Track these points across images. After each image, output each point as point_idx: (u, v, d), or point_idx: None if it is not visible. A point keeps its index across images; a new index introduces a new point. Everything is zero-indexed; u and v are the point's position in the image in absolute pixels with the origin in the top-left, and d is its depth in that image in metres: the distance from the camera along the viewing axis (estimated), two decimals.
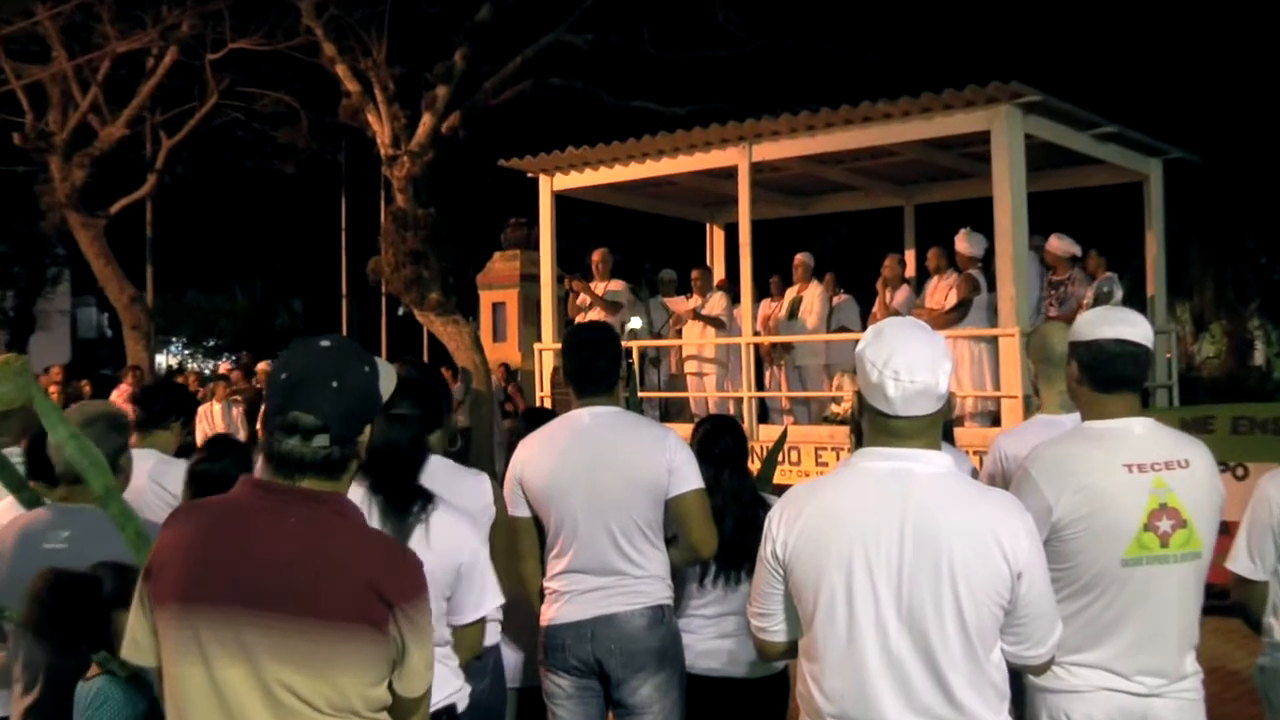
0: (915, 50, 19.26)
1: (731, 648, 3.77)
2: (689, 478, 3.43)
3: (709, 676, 3.74)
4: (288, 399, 2.00)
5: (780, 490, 2.74)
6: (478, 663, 3.22)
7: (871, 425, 2.34)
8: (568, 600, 3.45)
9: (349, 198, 29.77)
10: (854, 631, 2.24)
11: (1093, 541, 2.65)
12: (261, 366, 15.03)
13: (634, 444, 3.44)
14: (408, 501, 2.95)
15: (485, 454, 13.00)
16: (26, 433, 3.37)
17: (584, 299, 11.05)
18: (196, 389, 15.27)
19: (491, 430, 13.52)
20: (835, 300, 11.27)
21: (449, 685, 2.98)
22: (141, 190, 17.48)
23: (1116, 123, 9.31)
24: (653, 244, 25.18)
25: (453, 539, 2.92)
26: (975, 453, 7.64)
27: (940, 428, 2.35)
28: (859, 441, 2.40)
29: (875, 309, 10.33)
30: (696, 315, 10.84)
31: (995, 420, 8.84)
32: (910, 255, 11.91)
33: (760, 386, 11.08)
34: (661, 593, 3.47)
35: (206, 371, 31.07)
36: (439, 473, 3.48)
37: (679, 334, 11.36)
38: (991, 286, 8.97)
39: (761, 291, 11.90)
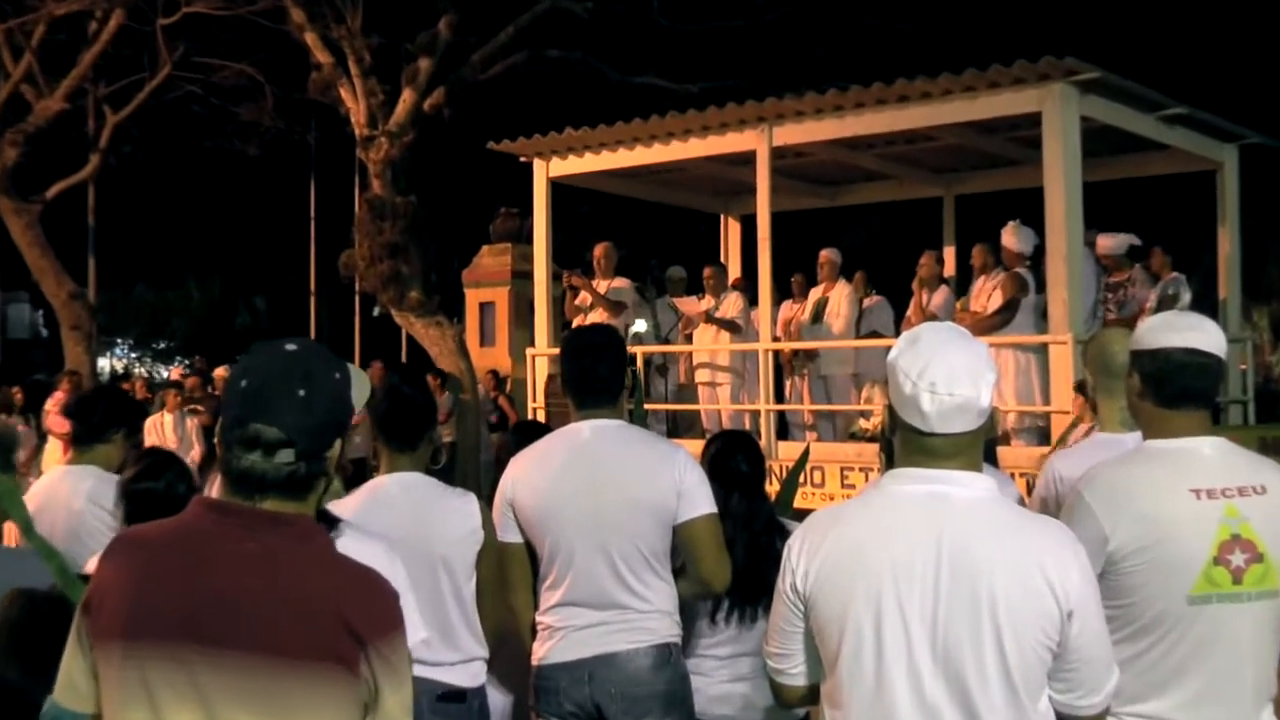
0: (957, 21, 19.27)
1: (746, 692, 3.77)
2: (700, 501, 3.43)
3: None
4: (248, 409, 2.00)
5: (801, 516, 2.75)
6: (456, 707, 3.22)
7: (904, 443, 2.34)
8: (563, 637, 3.46)
9: (319, 183, 29.88)
10: (883, 676, 2.24)
11: (1154, 576, 2.65)
12: (219, 372, 15.06)
13: (639, 462, 3.45)
14: None
15: (471, 471, 13.00)
16: None
17: (584, 299, 11.06)
18: (145, 397, 15.29)
19: (478, 445, 13.53)
20: (865, 302, 11.27)
21: None
22: (83, 172, 17.49)
23: (1185, 103, 9.32)
24: (660, 238, 25.22)
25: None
26: (1021, 475, 7.66)
27: (981, 447, 2.35)
28: (890, 461, 2.40)
29: (910, 312, 10.34)
30: (709, 318, 10.85)
31: (1044, 438, 8.84)
32: (950, 252, 11.91)
33: (780, 399, 11.07)
34: (668, 630, 3.48)
35: (156, 377, 31.13)
36: (422, 493, 3.49)
37: (689, 339, 11.37)
38: (1041, 287, 8.97)
39: (782, 292, 11.90)
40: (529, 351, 11.37)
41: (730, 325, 10.81)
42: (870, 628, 2.26)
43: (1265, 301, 23.72)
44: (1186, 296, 9.19)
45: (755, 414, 10.12)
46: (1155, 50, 19.08)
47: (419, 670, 2.87)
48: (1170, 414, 2.77)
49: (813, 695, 2.45)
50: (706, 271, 11.31)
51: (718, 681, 3.78)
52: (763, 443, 9.12)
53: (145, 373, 37.74)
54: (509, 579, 3.56)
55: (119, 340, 42.99)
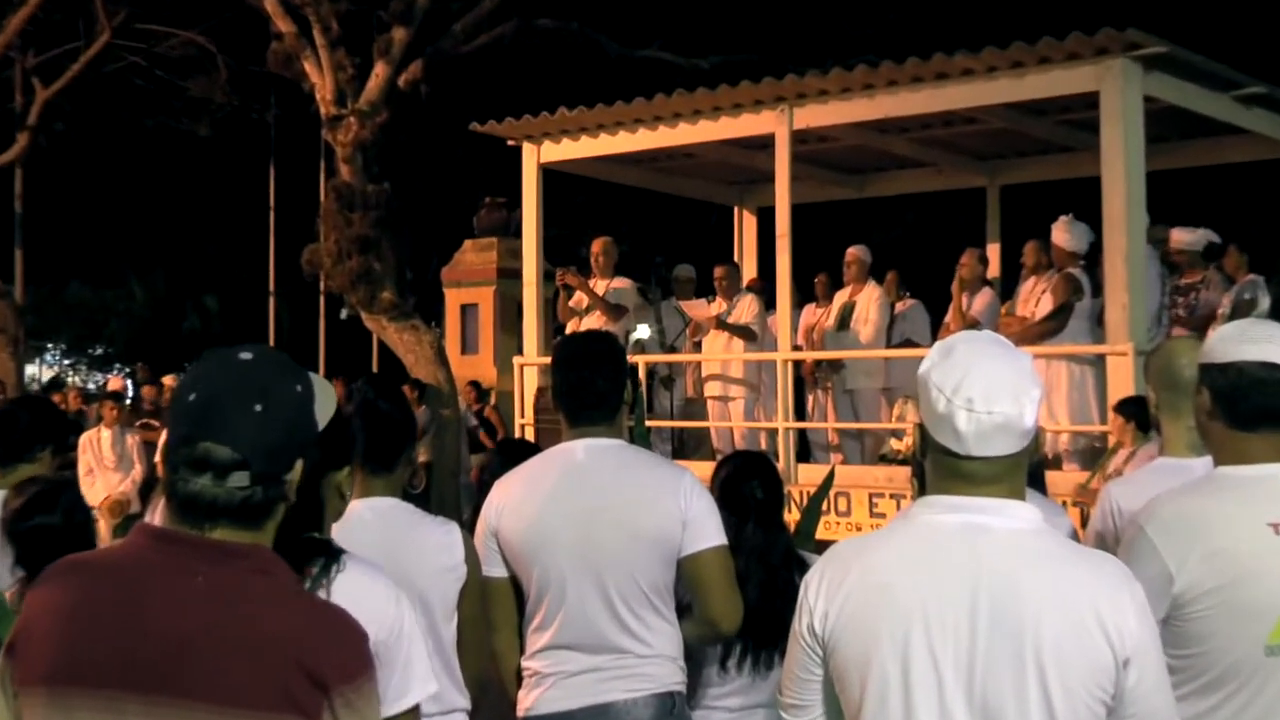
0: None
1: None
2: (709, 532, 3.44)
3: None
4: (197, 426, 2.00)
5: (824, 549, 2.75)
6: None
7: (937, 467, 2.35)
8: (552, 685, 3.46)
9: (280, 168, 29.88)
10: None
11: (1227, 622, 2.64)
12: (166, 382, 15.07)
13: (640, 487, 3.47)
14: (303, 561, 2.92)
15: (449, 496, 12.99)
16: None
17: (579, 301, 11.07)
18: (79, 409, 15.30)
19: (458, 467, 13.53)
20: (898, 306, 11.28)
21: None
22: (9, 153, 17.51)
23: (1264, 81, 9.32)
24: (666, 233, 25.22)
25: (365, 608, 2.89)
26: (1073, 504, 7.65)
27: (1025, 471, 2.35)
28: (922, 487, 2.40)
29: (949, 318, 10.35)
30: (721, 324, 10.86)
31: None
32: (994, 250, 11.93)
33: (801, 415, 11.07)
34: (671, 677, 3.48)
35: (92, 387, 31.16)
36: (398, 521, 3.49)
37: (698, 347, 11.37)
38: (1098, 291, 8.98)
39: (804, 295, 11.90)
40: (516, 360, 11.37)
41: (745, 332, 10.81)
42: (898, 675, 2.25)
43: None
44: (1265, 302, 9.17)
45: (772, 433, 10.11)
46: (1229, 21, 19.10)
47: None
48: (1245, 436, 2.77)
49: None
50: (718, 271, 11.33)
51: None
52: (781, 465, 9.12)
53: (79, 382, 37.77)
54: (492, 618, 3.57)
55: (49, 345, 43.03)
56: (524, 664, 3.54)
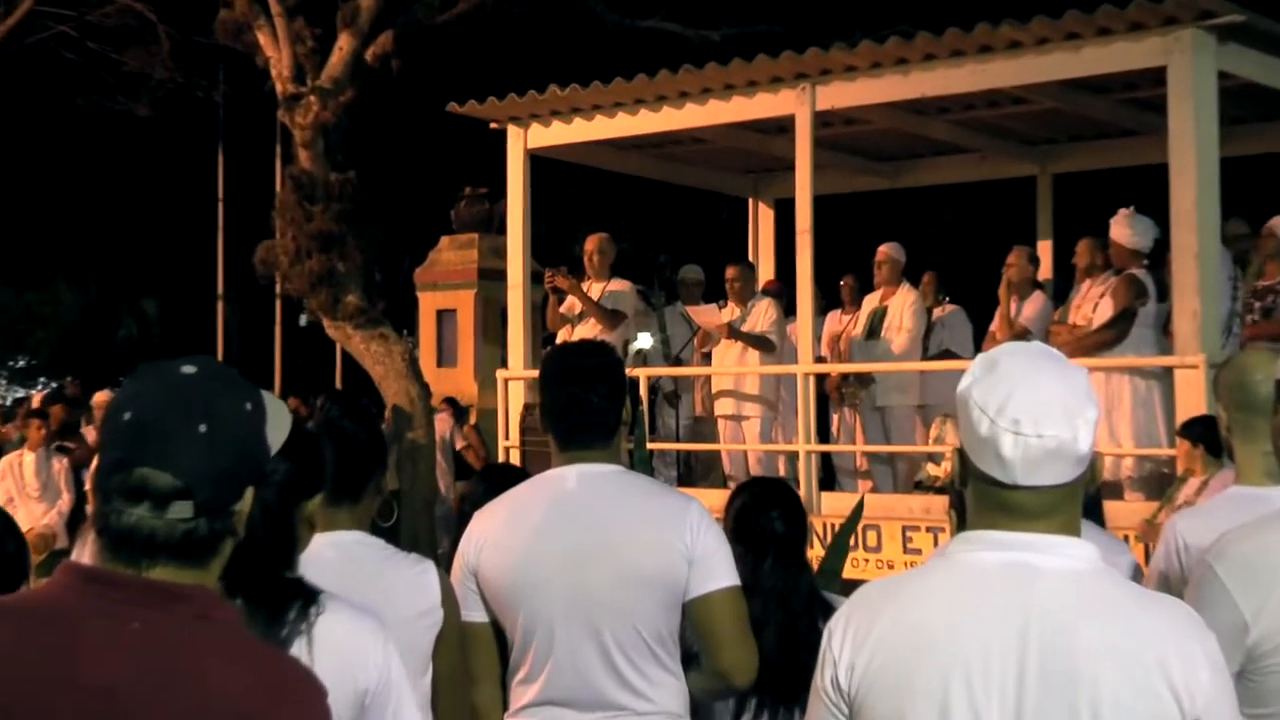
0: None
1: None
2: (719, 571, 3.44)
3: None
4: (133, 449, 2.00)
5: (852, 589, 2.75)
6: None
7: (979, 499, 2.35)
8: None
9: (230, 154, 29.93)
10: None
11: None
12: (98, 398, 15.04)
13: (640, 519, 3.47)
14: (279, 604, 2.92)
15: (423, 530, 12.98)
16: None
17: (571, 306, 11.08)
18: None
19: (433, 497, 13.52)
20: (935, 312, 11.29)
21: None
22: None
23: None
24: (671, 229, 25.24)
25: (351, 654, 2.90)
26: (1138, 539, 7.64)
27: (1080, 503, 2.35)
28: (961, 521, 2.40)
29: (994, 326, 10.34)
30: (733, 332, 10.86)
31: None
32: (1045, 248, 11.94)
33: (825, 437, 11.06)
34: None
35: (14, 403, 31.11)
36: (364, 559, 3.49)
37: (707, 359, 11.37)
38: (1164, 294, 8.98)
39: (829, 299, 11.90)
40: (500, 374, 11.39)
41: (761, 342, 10.81)
42: None
43: None
44: None
45: (792, 457, 10.11)
46: None
47: None
48: None
49: None
50: (730, 272, 11.33)
51: None
52: (802, 494, 9.11)
53: (0, 397, 37.74)
54: (471, 669, 3.57)
55: None
56: None
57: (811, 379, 10.09)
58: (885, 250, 11.10)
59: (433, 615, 3.50)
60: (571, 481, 3.53)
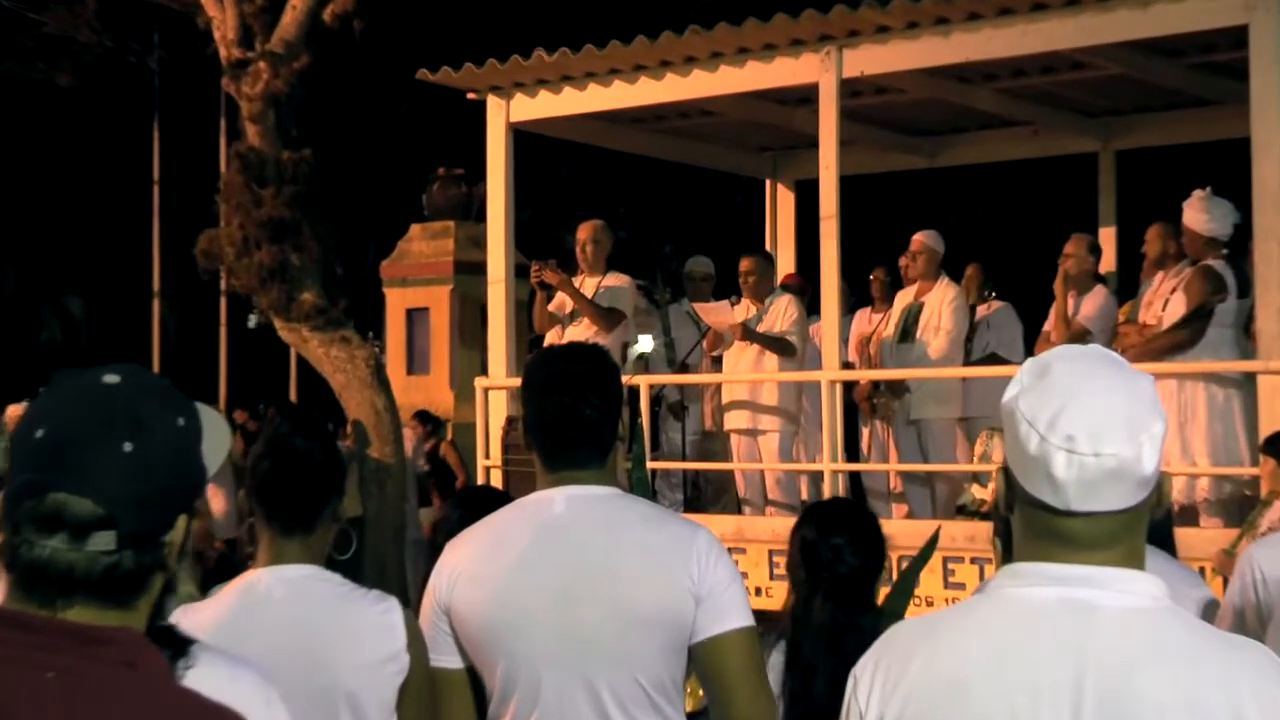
0: None
1: None
2: (731, 609, 3.43)
3: None
4: (47, 471, 2.00)
5: None
6: None
7: (1028, 526, 2.34)
8: None
9: (167, 130, 29.92)
10: None
11: None
12: (12, 412, 15.03)
13: (639, 551, 3.46)
14: None
15: (391, 564, 12.98)
16: None
17: (561, 304, 11.08)
18: None
19: (401, 524, 13.52)
20: (980, 310, 11.29)
21: None
22: None
23: None
24: (677, 215, 25.25)
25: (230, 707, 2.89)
26: (1215, 572, 7.62)
27: (1144, 530, 2.34)
28: (1007, 551, 2.39)
29: (1049, 325, 10.34)
30: (748, 334, 10.85)
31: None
32: (1108, 236, 11.94)
33: (854, 454, 11.04)
34: None
35: None
36: (318, 597, 3.48)
37: (718, 364, 11.36)
38: (1245, 289, 8.98)
39: (858, 296, 11.88)
40: (479, 383, 11.39)
41: (780, 344, 10.81)
42: None
43: None
44: None
45: (816, 477, 10.10)
46: None
47: None
48: None
49: None
50: (745, 264, 11.32)
51: None
52: None
53: None
54: None
55: None
56: None
57: (838, 387, 10.10)
58: (921, 239, 11.10)
59: (397, 661, 3.50)
60: (559, 506, 3.51)
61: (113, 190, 32.05)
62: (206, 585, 3.74)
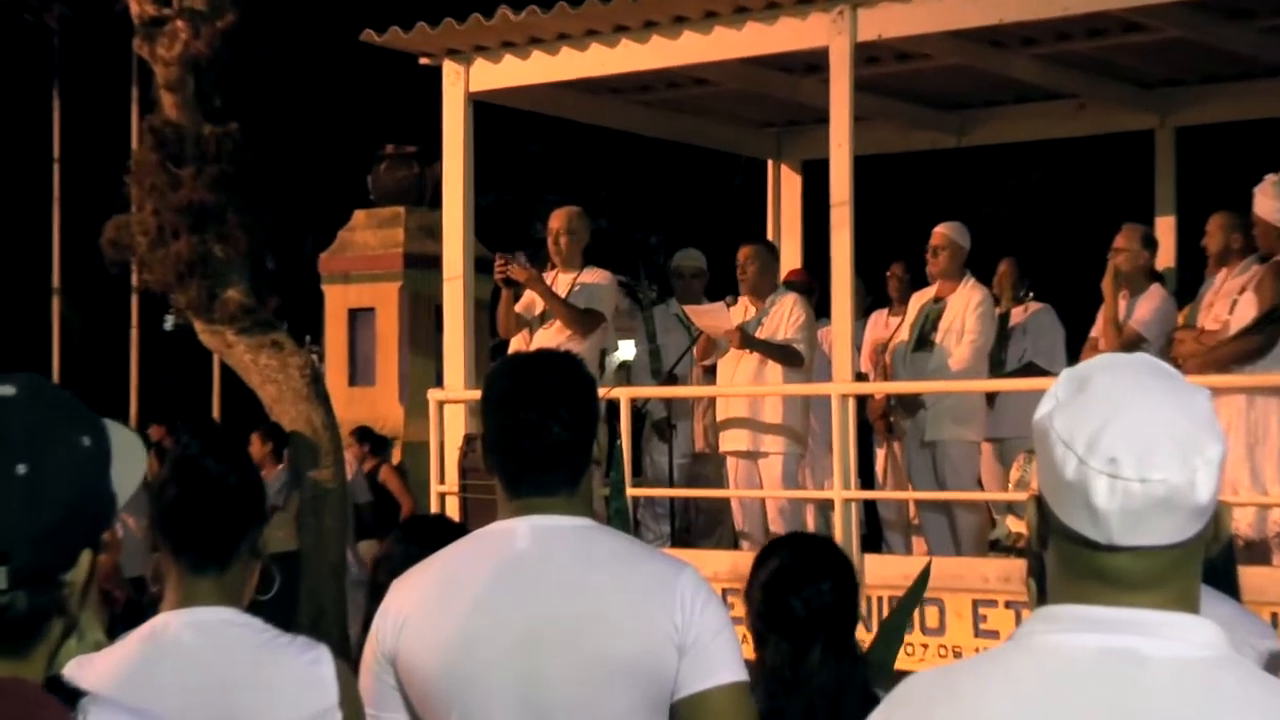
0: None
1: None
2: (719, 661, 3.43)
3: None
4: None
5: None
6: None
7: (1065, 563, 2.33)
8: None
9: (68, 99, 29.91)
10: None
11: None
12: None
13: (614, 591, 3.46)
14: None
15: (330, 605, 12.98)
16: None
17: (530, 304, 11.09)
18: None
19: (341, 559, 13.53)
20: (1016, 313, 11.33)
21: None
22: None
23: None
24: (664, 201, 25.29)
25: None
26: None
27: (1199, 568, 2.33)
28: (1042, 591, 2.38)
29: (1096, 330, 10.36)
30: (746, 340, 10.86)
31: None
32: (1166, 226, 11.97)
33: (868, 480, 11.05)
34: None
35: None
36: (235, 645, 3.48)
37: (711, 374, 11.37)
38: None
39: (875, 296, 11.90)
40: (433, 395, 11.41)
41: (783, 352, 10.82)
42: None
43: None
44: None
45: (825, 506, 10.11)
46: None
47: None
48: None
49: None
50: (744, 254, 11.34)
51: None
52: None
53: None
54: None
55: None
56: None
57: (850, 402, 10.10)
58: (943, 231, 11.11)
59: (328, 718, 3.47)
60: (523, 540, 3.51)
61: (4, 169, 32.00)
62: (115, 631, 3.72)
